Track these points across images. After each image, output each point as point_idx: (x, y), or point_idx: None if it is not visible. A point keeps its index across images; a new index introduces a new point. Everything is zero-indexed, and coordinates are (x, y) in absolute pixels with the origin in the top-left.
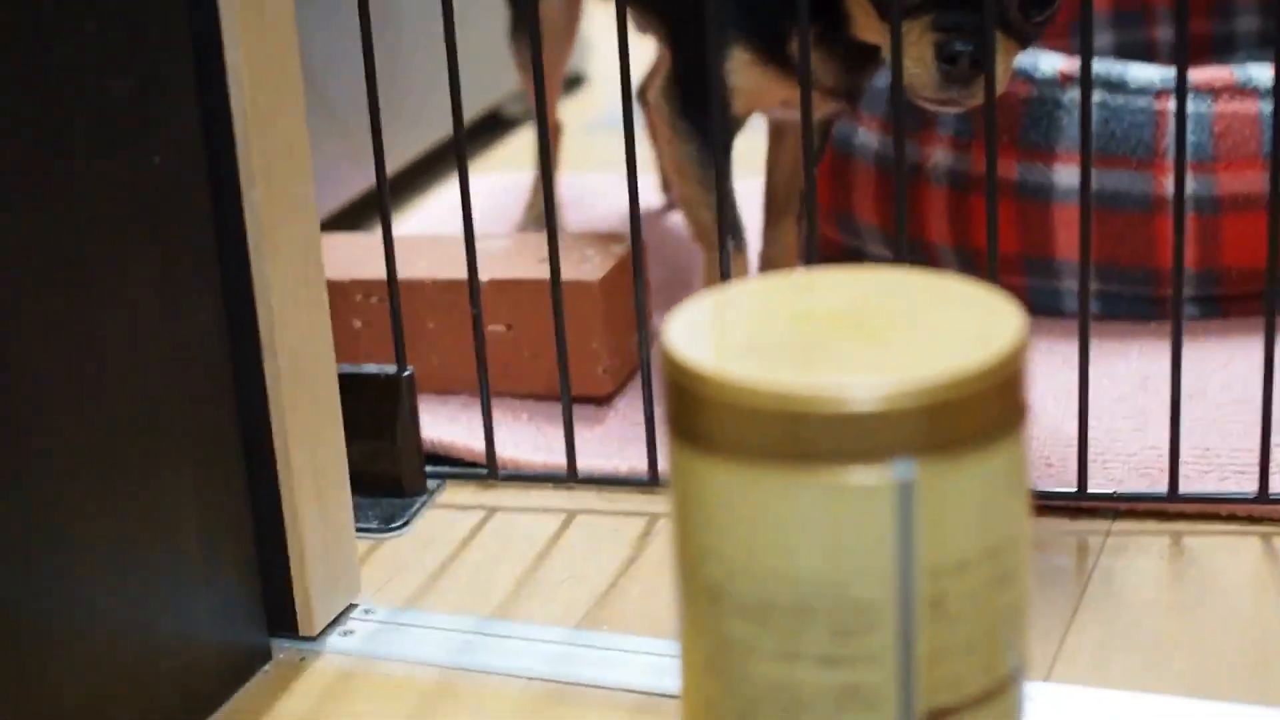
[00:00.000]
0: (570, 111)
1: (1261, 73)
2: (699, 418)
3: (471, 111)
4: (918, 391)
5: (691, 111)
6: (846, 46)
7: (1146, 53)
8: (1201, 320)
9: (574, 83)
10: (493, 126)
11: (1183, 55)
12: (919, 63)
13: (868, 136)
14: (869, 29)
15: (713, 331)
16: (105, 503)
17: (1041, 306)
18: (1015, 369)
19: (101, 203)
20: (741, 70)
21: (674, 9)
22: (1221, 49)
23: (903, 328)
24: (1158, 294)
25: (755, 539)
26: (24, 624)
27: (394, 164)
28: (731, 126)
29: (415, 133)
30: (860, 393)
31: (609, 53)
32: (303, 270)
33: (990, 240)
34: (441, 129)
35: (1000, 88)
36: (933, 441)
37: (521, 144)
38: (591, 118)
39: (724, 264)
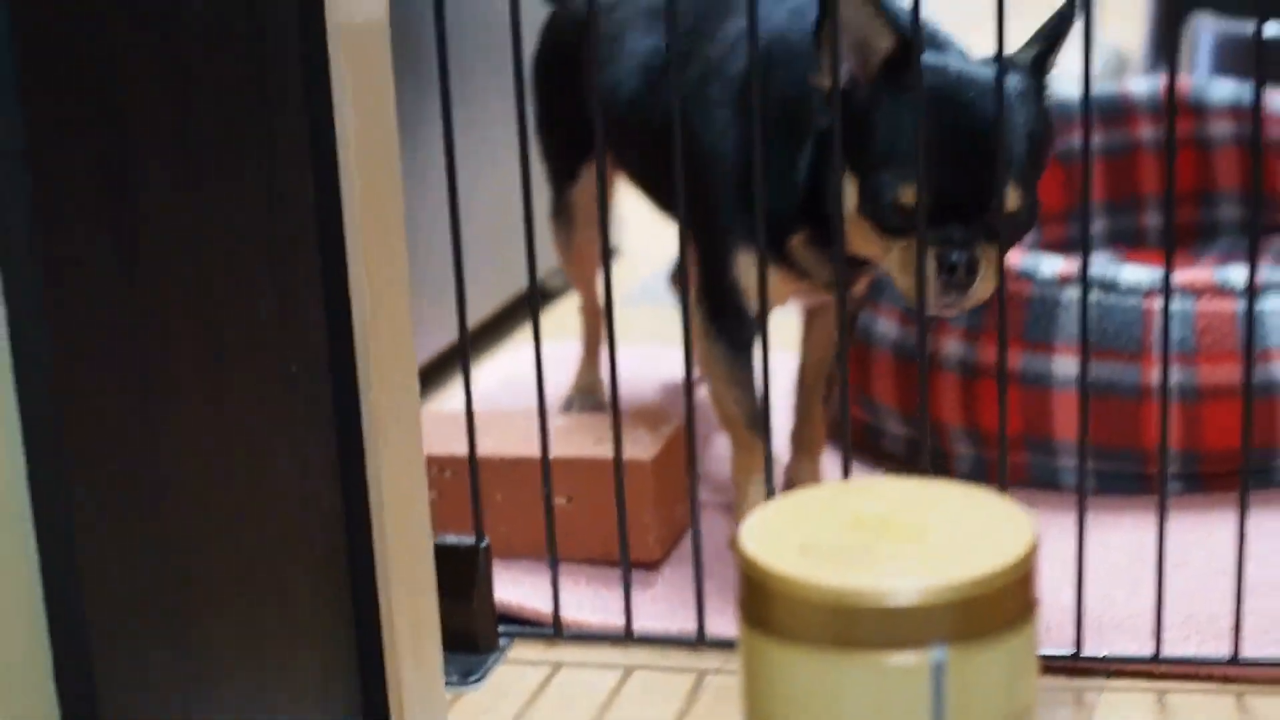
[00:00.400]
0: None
1: (1238, 274)
2: (766, 608)
3: (514, 287)
4: (949, 590)
5: (717, 313)
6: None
7: (1137, 239)
8: (1186, 495)
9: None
10: (523, 305)
11: (1170, 259)
12: (908, 270)
13: (887, 326)
14: (865, 245)
15: (779, 534)
16: (243, 667)
17: (1041, 481)
18: (1028, 569)
19: (251, 404)
20: (748, 272)
21: (691, 220)
22: (1206, 235)
23: (935, 532)
24: (1146, 471)
25: (810, 710)
26: None
27: (446, 337)
28: (750, 324)
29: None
30: (901, 591)
31: (642, 226)
32: (407, 456)
33: (1001, 423)
34: (488, 304)
35: (989, 289)
36: (961, 631)
37: (561, 314)
38: (628, 290)
39: (767, 460)
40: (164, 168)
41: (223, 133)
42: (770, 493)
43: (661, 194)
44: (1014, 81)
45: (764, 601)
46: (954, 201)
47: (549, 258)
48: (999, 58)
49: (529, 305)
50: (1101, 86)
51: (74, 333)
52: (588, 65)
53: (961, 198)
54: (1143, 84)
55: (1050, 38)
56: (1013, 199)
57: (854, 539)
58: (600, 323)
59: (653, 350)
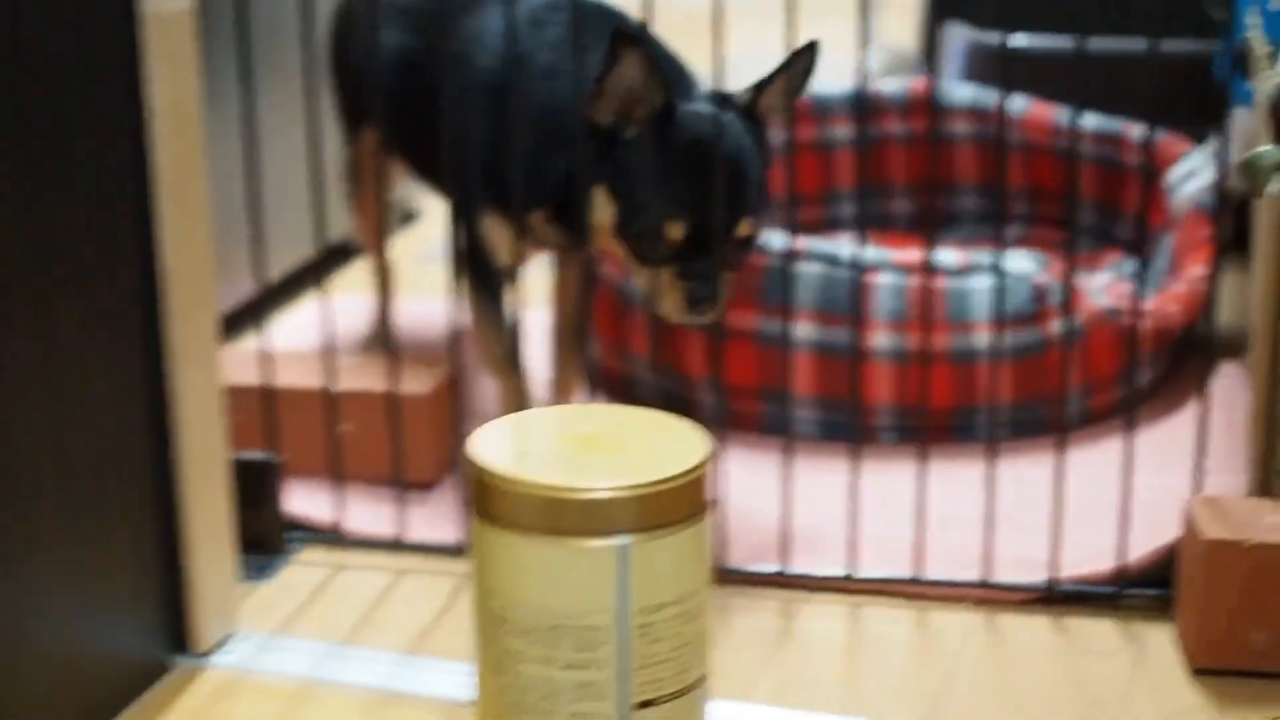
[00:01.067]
0: (405, 244)
1: (948, 256)
2: (491, 503)
3: (336, 235)
4: (632, 489)
5: (474, 269)
6: (575, 226)
7: (884, 223)
8: (900, 444)
9: (408, 218)
10: (342, 254)
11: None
12: (673, 301)
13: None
14: (614, 255)
15: (504, 444)
16: (60, 553)
17: (775, 428)
18: (699, 477)
19: (74, 334)
20: (493, 233)
21: (447, 187)
22: (948, 223)
23: (630, 447)
24: (868, 423)
25: (525, 584)
26: None
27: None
28: (498, 275)
29: (282, 254)
30: (595, 490)
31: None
32: (205, 383)
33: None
34: (298, 255)
35: (724, 306)
36: (642, 523)
37: (362, 271)
38: (426, 249)
39: (522, 394)
40: (4, 137)
41: (52, 105)
42: None
43: (423, 169)
44: (747, 127)
45: (489, 497)
46: (701, 236)
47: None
48: (723, 101)
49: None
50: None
51: None
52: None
53: (706, 233)
54: (892, 84)
55: (770, 80)
56: (746, 228)
57: (564, 449)
58: (389, 278)
59: (442, 304)
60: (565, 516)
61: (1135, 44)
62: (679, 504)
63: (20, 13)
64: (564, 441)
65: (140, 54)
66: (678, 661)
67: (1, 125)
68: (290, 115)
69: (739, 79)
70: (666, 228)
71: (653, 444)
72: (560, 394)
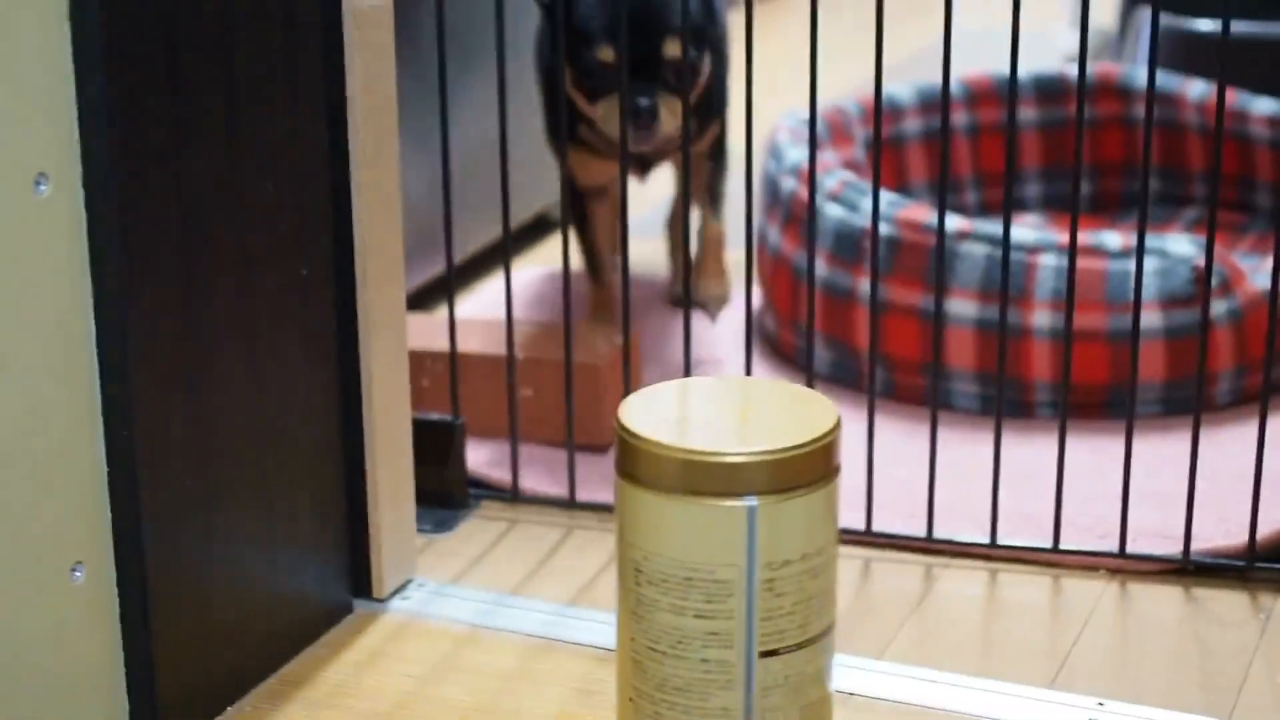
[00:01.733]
0: None
1: (1111, 238)
2: (633, 463)
3: (523, 215)
4: (763, 455)
5: (571, 194)
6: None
7: (1067, 204)
8: (1056, 420)
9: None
10: (541, 226)
11: (1075, 218)
12: (617, 121)
13: (819, 266)
14: (589, 111)
15: (649, 410)
16: (255, 498)
17: (939, 402)
18: (827, 444)
19: (272, 300)
20: (572, 159)
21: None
22: (1129, 203)
23: (764, 415)
24: (1024, 399)
25: (661, 538)
26: (201, 573)
27: (458, 256)
28: (584, 196)
29: (471, 233)
30: (729, 455)
31: None
32: (393, 348)
33: (870, 347)
34: (496, 230)
35: (674, 126)
36: (772, 486)
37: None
38: None
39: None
40: (215, 120)
41: (259, 92)
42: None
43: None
44: None
45: (633, 459)
46: (634, 65)
47: (543, 197)
48: None
49: (503, 234)
50: (1044, 68)
51: (139, 252)
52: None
53: (639, 61)
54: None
55: None
56: (671, 48)
57: (703, 415)
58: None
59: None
60: (700, 478)
61: None
62: (805, 469)
63: (232, 8)
64: (704, 409)
65: (341, 45)
66: (801, 615)
67: (214, 109)
68: (488, 99)
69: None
70: (597, 54)
71: (786, 413)
72: (704, 276)
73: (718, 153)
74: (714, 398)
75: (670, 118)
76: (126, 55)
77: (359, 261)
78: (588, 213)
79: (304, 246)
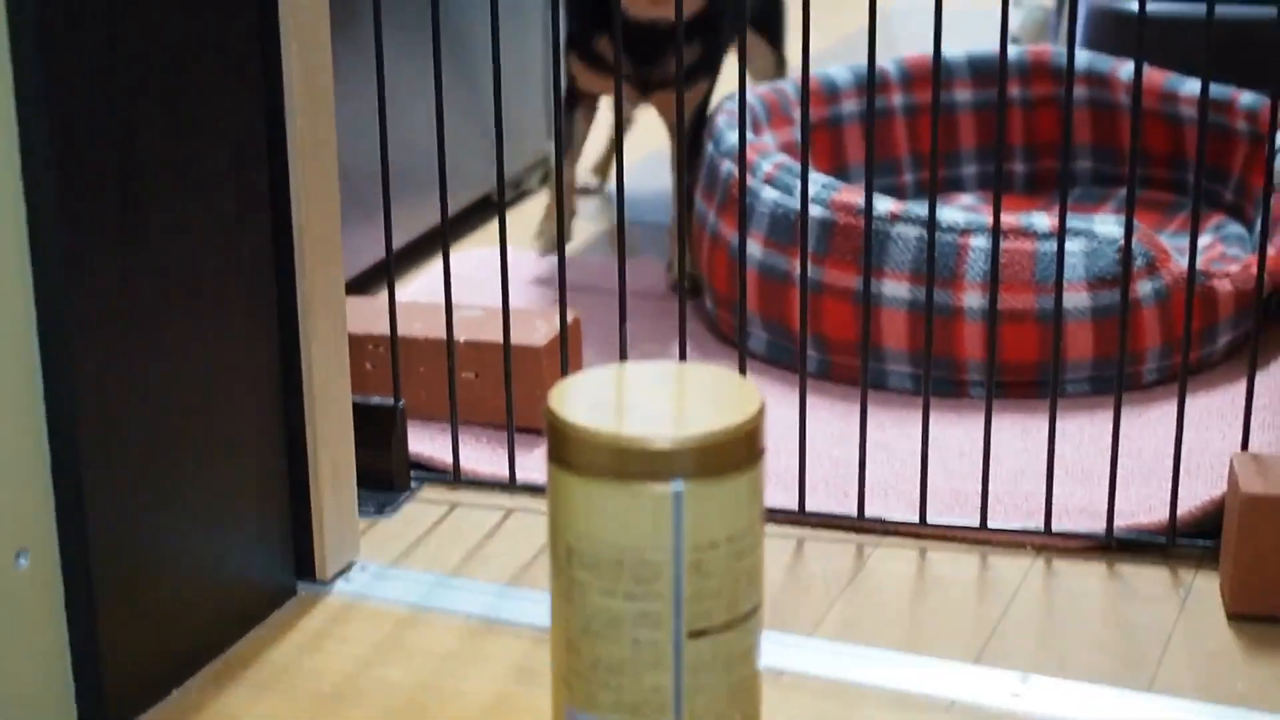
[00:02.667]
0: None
1: (1041, 219)
2: (563, 448)
3: (468, 197)
4: (690, 440)
5: (567, 95)
6: (634, 48)
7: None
8: (982, 399)
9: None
10: (484, 208)
11: (997, 199)
12: None
13: (752, 248)
14: None
15: (578, 396)
16: (198, 482)
17: (870, 382)
18: (752, 429)
19: (214, 282)
20: (573, 64)
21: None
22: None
23: (690, 399)
24: (957, 378)
25: (592, 521)
26: (145, 557)
27: (400, 240)
28: (577, 100)
29: (417, 215)
30: (656, 440)
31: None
32: (332, 330)
33: (802, 325)
34: (439, 213)
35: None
36: (698, 470)
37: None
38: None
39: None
40: (153, 101)
41: (198, 82)
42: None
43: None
44: None
45: (563, 444)
46: None
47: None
48: None
49: (442, 226)
50: (976, 50)
51: (78, 233)
52: None
53: None
54: (1013, 51)
55: None
56: None
57: (631, 400)
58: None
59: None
60: (628, 463)
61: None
62: (731, 454)
63: (172, 5)
64: (633, 394)
65: (277, 33)
66: (728, 595)
67: (152, 90)
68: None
69: (896, 28)
70: None
71: (713, 399)
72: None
73: (699, 110)
74: (643, 383)
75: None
76: (64, 40)
77: (297, 243)
78: (575, 115)
79: (243, 227)
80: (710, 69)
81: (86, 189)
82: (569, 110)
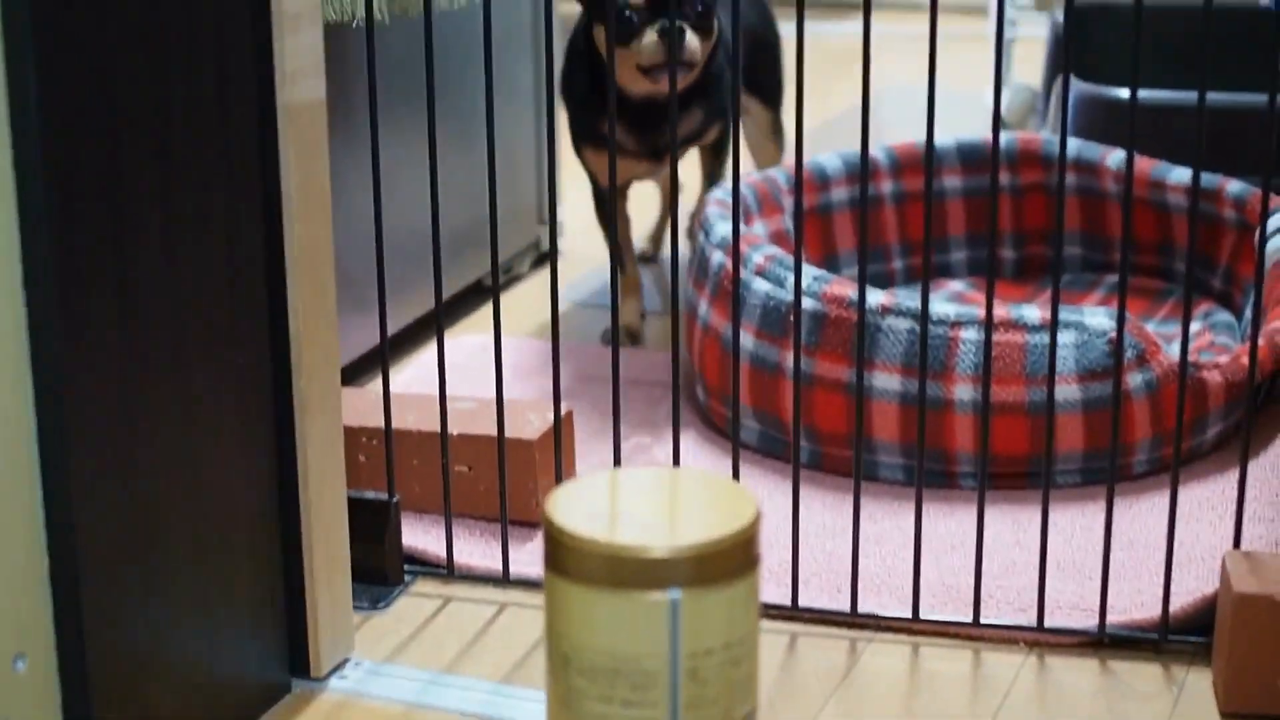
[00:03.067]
0: (541, 283)
1: (1031, 311)
2: (560, 556)
3: (461, 282)
4: (687, 549)
5: (594, 192)
6: (637, 122)
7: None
8: (973, 490)
9: (542, 260)
10: (476, 293)
11: (990, 293)
12: (648, 43)
13: (745, 339)
14: (624, 68)
15: (575, 503)
16: (193, 580)
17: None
18: (748, 537)
19: (210, 385)
20: (587, 158)
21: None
22: (1051, 270)
23: (685, 506)
24: (948, 470)
25: (589, 629)
26: (142, 659)
27: (393, 326)
28: (604, 193)
29: (410, 301)
30: (653, 548)
31: (581, 228)
32: (328, 430)
33: (795, 417)
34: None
35: (696, 50)
36: (694, 579)
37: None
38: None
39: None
40: (154, 220)
41: (197, 183)
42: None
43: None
44: None
45: (560, 552)
46: (658, 5)
47: (479, 265)
48: None
49: (436, 318)
50: (970, 137)
51: (78, 345)
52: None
53: (662, 3)
54: (1002, 138)
55: None
56: None
57: (626, 507)
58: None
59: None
60: (624, 572)
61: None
62: (727, 562)
63: (168, 103)
64: (629, 502)
65: (276, 141)
66: (724, 701)
67: (150, 201)
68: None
69: (887, 111)
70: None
71: (709, 506)
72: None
73: (719, 146)
74: (639, 489)
75: (694, 39)
76: (65, 159)
77: (294, 351)
78: (610, 210)
79: (240, 336)
80: (719, 117)
81: (85, 296)
82: (602, 207)
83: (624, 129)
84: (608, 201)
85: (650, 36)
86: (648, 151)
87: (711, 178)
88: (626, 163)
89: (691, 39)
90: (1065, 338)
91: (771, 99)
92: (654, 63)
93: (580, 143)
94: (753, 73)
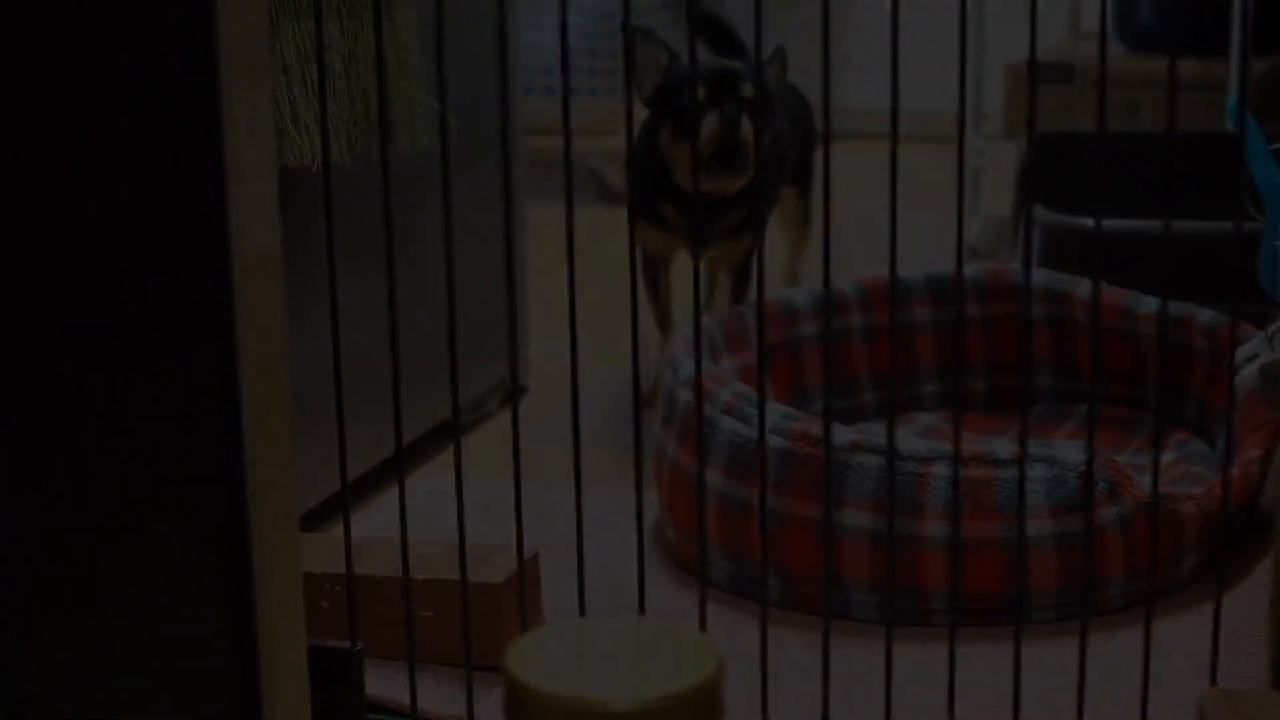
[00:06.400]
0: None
1: (1001, 446)
2: (523, 711)
3: (428, 424)
4: (653, 701)
5: (644, 262)
6: (689, 205)
7: (965, 401)
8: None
9: (518, 392)
10: (444, 433)
11: (958, 433)
12: (711, 132)
13: (713, 477)
14: (678, 162)
15: (536, 654)
16: None
17: (833, 611)
18: (715, 687)
19: (171, 543)
20: (643, 232)
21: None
22: (1022, 401)
23: (652, 657)
24: (922, 606)
25: None
26: None
27: (354, 470)
28: (654, 264)
29: (372, 443)
30: (619, 702)
31: (549, 365)
32: (287, 580)
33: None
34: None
35: (748, 134)
36: None
37: (476, 446)
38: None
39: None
40: (100, 372)
41: (145, 340)
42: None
43: None
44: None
45: (521, 706)
46: (717, 98)
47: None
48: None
49: (396, 459)
50: (939, 270)
51: (28, 510)
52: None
53: (722, 94)
54: (969, 270)
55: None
56: (747, 89)
57: (590, 660)
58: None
59: (533, 488)
60: None
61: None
62: (691, 713)
63: (117, 255)
64: (591, 653)
65: (230, 293)
66: None
67: (101, 355)
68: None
69: (858, 244)
70: (697, 89)
71: (671, 655)
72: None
73: (743, 265)
74: (603, 640)
75: (748, 126)
76: (8, 324)
77: (253, 505)
78: (656, 277)
79: (194, 491)
80: (756, 224)
81: (34, 461)
82: (648, 274)
83: (675, 209)
84: (651, 271)
85: (709, 123)
86: (689, 239)
87: (737, 297)
88: (673, 239)
89: (745, 124)
90: (1036, 472)
91: (805, 188)
92: (711, 151)
93: (641, 216)
94: (795, 165)
